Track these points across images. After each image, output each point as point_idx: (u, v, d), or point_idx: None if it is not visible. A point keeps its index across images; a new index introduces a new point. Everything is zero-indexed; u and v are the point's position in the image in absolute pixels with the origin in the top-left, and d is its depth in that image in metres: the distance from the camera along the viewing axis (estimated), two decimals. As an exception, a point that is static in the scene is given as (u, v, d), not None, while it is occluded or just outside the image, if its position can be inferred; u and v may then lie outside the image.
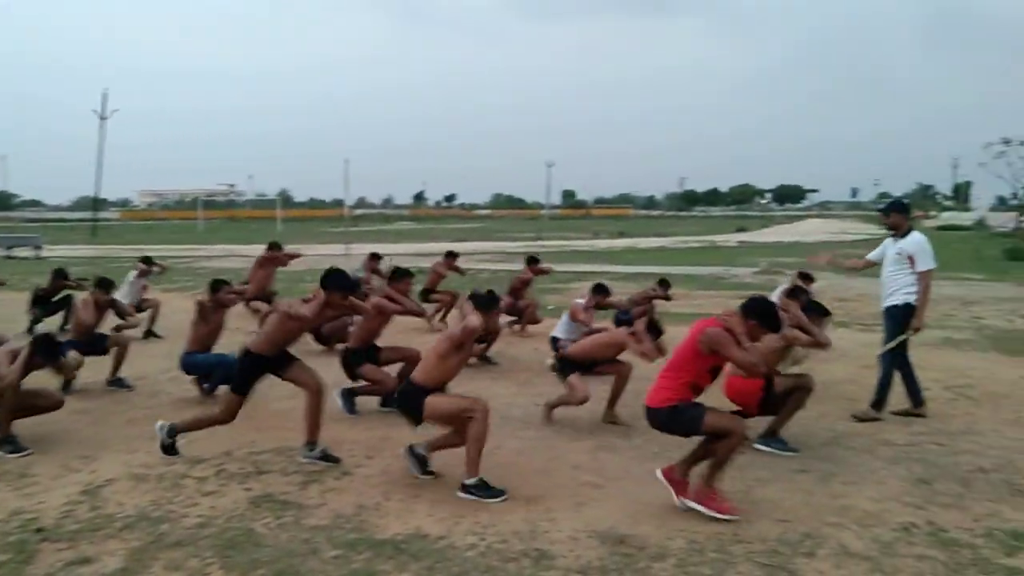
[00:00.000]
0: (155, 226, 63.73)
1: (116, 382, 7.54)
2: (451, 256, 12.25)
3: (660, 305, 11.23)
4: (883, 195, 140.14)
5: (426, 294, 11.49)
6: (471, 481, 4.75)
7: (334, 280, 5.39)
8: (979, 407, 6.93)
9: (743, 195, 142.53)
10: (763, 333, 4.58)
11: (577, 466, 5.38)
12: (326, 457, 5.36)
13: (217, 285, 7.34)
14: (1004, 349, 9.87)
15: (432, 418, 4.91)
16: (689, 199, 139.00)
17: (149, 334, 10.18)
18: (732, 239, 40.36)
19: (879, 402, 6.60)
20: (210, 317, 7.20)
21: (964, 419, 6.66)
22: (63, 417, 6.47)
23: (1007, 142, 34.54)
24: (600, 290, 8.60)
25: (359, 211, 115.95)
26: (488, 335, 7.84)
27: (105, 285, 8.06)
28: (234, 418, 5.34)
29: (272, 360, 5.37)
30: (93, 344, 7.57)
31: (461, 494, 4.73)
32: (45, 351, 5.78)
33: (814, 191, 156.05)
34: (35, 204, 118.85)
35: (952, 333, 11.02)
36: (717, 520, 4.38)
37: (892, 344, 6.58)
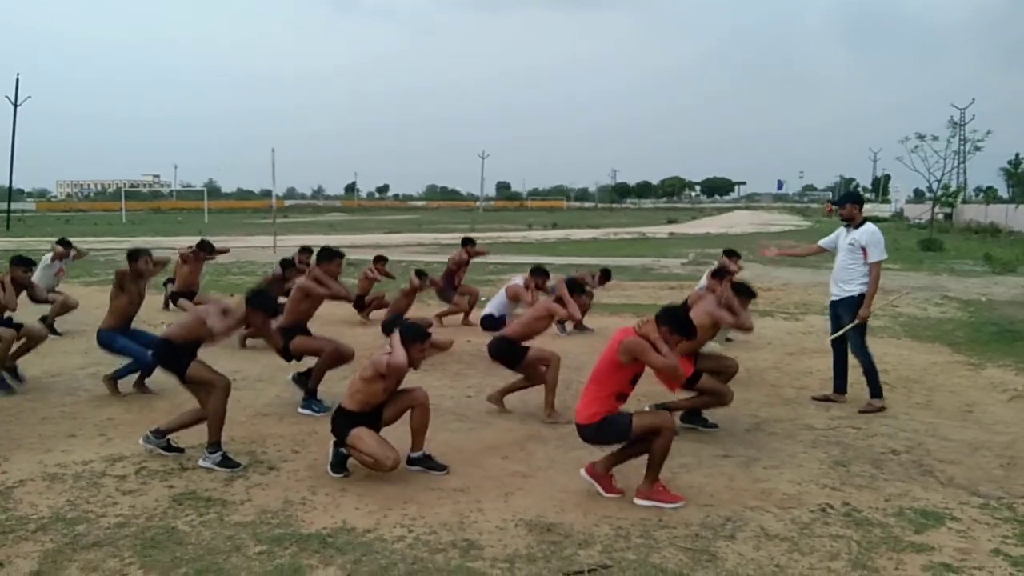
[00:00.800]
0: (75, 217, 61.28)
1: (11, 370, 7.16)
2: (380, 260, 11.86)
3: (595, 296, 11.36)
4: (808, 187, 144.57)
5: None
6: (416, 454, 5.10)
7: (259, 301, 5.33)
8: (892, 391, 7.21)
9: (673, 187, 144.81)
10: (677, 340, 4.65)
11: (506, 456, 5.42)
12: (226, 461, 5.13)
13: (136, 254, 7.09)
14: (917, 336, 10.29)
15: (353, 448, 4.89)
16: (621, 191, 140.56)
17: (48, 326, 9.64)
18: (663, 231, 41.05)
19: (875, 390, 6.74)
20: (129, 287, 6.97)
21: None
22: (-26, 416, 6.22)
23: (921, 137, 35.73)
24: (539, 272, 8.65)
25: (289, 202, 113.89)
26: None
27: (24, 263, 7.65)
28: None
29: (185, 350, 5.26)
30: (6, 326, 7.23)
31: None
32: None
33: (742, 183, 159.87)
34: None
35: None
36: (656, 508, 4.46)
37: (840, 332, 6.78)
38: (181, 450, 5.32)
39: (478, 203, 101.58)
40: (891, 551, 3.97)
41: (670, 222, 52.07)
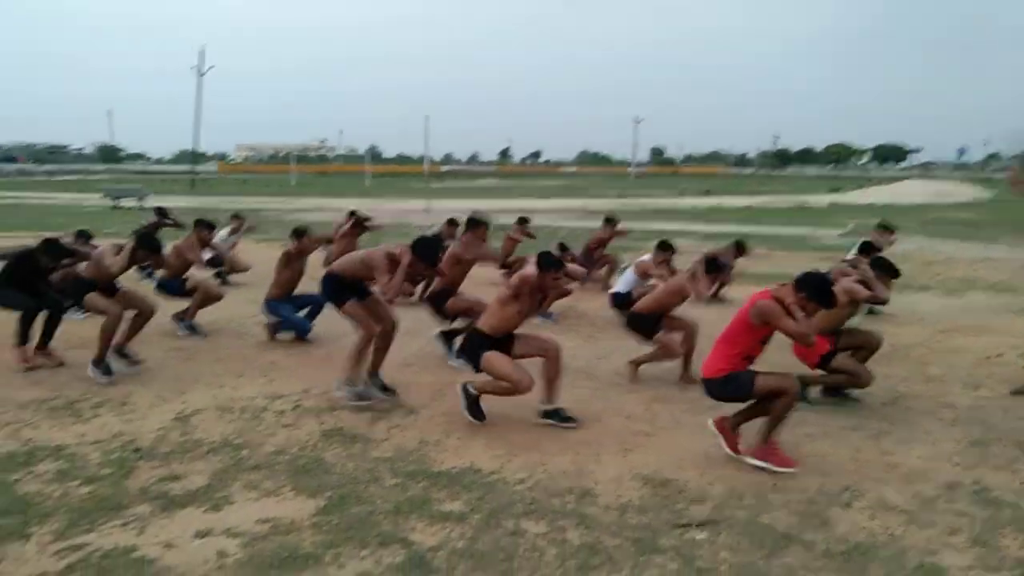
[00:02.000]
0: (250, 179, 65.95)
1: (189, 326, 7.99)
2: (523, 222, 12.35)
3: (738, 265, 11.21)
4: (991, 156, 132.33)
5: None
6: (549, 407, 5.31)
7: (422, 250, 5.56)
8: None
9: (839, 154, 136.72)
10: (814, 307, 4.62)
11: (630, 416, 5.59)
12: (368, 395, 5.67)
13: (299, 232, 7.77)
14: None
15: (487, 371, 5.20)
16: (782, 158, 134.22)
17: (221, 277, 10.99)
18: (823, 200, 39.11)
19: None
20: (293, 263, 7.65)
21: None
22: (160, 354, 7.09)
23: None
24: (665, 247, 8.65)
25: (445, 167, 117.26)
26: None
27: (208, 225, 8.60)
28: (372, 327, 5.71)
29: (353, 286, 5.72)
30: (182, 286, 8.15)
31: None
32: (148, 244, 6.41)
33: (917, 151, 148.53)
34: (139, 158, 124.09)
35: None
36: (777, 473, 4.51)
37: None
38: (393, 391, 5.82)
39: (630, 169, 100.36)
40: (1018, 531, 3.85)
41: (832, 191, 49.45)
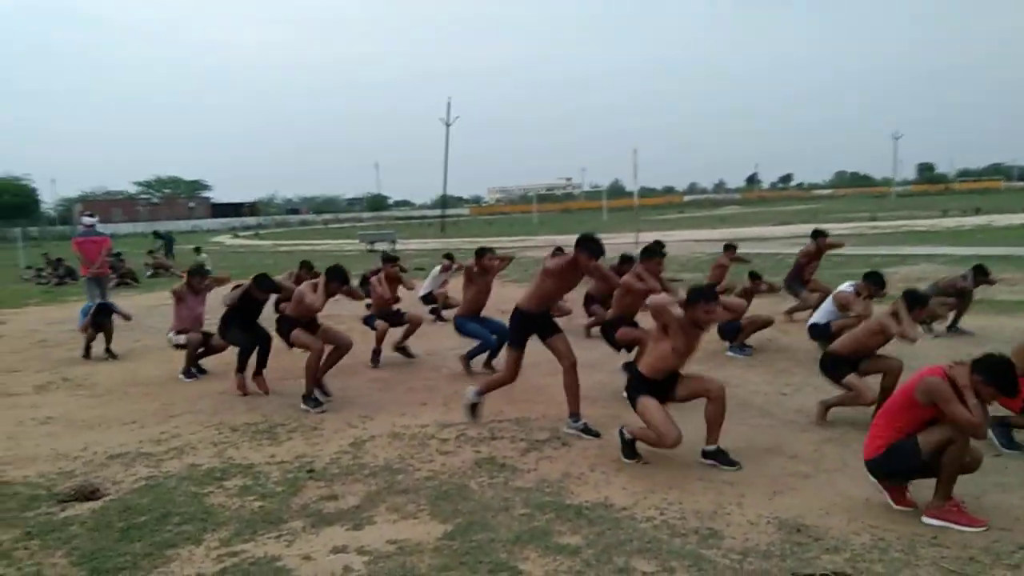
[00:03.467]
0: (496, 220, 69.55)
1: (402, 349, 8.92)
2: (730, 248, 11.98)
3: (986, 290, 10.07)
4: None
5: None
6: (710, 448, 5.13)
7: (587, 246, 5.67)
8: None
9: None
10: (991, 393, 4.08)
11: (795, 456, 5.25)
12: (587, 430, 5.82)
13: (481, 252, 8.19)
14: None
15: (639, 416, 5.16)
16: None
17: (435, 314, 11.81)
18: None
19: None
20: (477, 280, 8.10)
21: None
22: (361, 384, 7.78)
23: None
24: (874, 280, 7.93)
25: (688, 197, 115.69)
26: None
27: (392, 260, 9.36)
28: (516, 375, 6.00)
29: (536, 319, 5.96)
30: (392, 315, 8.95)
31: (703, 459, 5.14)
32: (338, 278, 7.02)
33: None
34: (405, 204, 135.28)
35: None
36: (962, 531, 4.03)
37: None
38: (597, 434, 5.83)
39: (893, 188, 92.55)
40: None
41: None
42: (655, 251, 7.35)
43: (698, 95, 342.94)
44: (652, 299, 5.23)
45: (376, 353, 8.71)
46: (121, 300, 13.59)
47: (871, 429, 4.43)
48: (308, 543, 4.15)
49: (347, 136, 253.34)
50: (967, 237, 24.39)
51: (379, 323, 8.79)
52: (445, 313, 11.90)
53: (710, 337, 9.11)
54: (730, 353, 8.69)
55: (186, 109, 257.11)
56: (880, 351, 6.11)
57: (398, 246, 30.89)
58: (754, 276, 9.36)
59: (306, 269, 9.69)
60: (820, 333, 8.11)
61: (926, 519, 4.16)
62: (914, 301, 5.99)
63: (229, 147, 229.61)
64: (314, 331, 7.13)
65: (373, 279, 9.16)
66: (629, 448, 5.26)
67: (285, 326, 7.09)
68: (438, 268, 12.43)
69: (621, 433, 5.30)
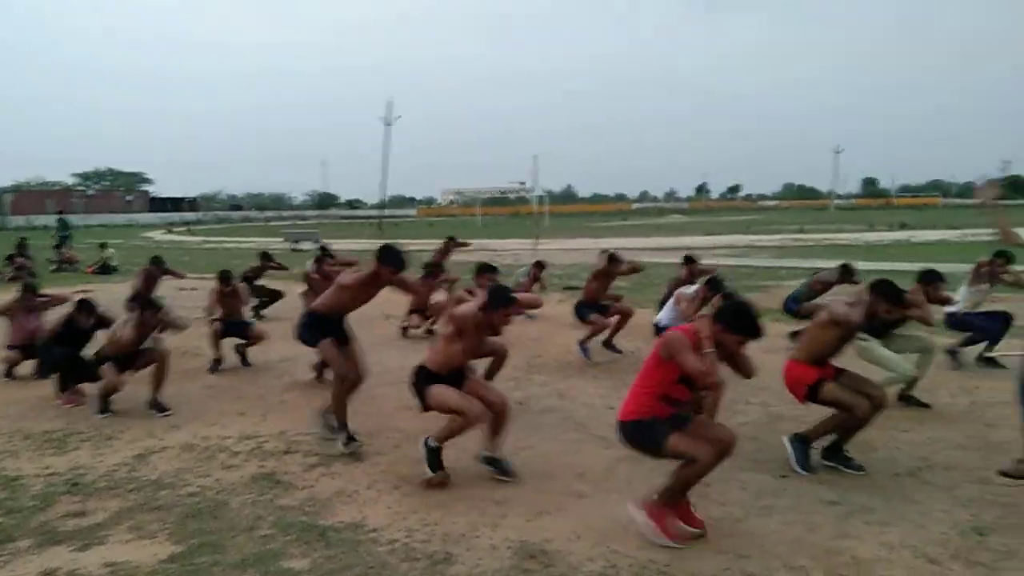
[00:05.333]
0: (439, 222, 69.16)
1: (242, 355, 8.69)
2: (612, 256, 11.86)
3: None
4: None
5: None
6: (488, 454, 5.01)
7: (388, 258, 5.54)
8: None
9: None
10: (734, 339, 4.05)
11: (582, 474, 5.13)
12: (350, 440, 5.58)
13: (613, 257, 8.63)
14: None
15: (436, 407, 4.97)
16: (1015, 186, 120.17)
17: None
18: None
19: None
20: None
21: None
22: (194, 390, 7.51)
23: None
24: (714, 286, 7.95)
25: (637, 205, 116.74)
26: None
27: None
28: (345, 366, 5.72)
29: (331, 322, 5.77)
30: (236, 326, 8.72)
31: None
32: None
33: None
34: (355, 204, 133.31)
35: None
36: (665, 546, 3.97)
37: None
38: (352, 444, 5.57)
39: (832, 201, 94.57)
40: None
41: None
42: (488, 266, 7.28)
43: (650, 101, 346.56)
44: (456, 311, 5.03)
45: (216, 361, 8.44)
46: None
47: (629, 391, 4.34)
48: (22, 565, 3.90)
49: (299, 135, 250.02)
50: (879, 252, 24.88)
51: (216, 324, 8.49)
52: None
53: (564, 351, 9.07)
54: (580, 352, 8.65)
55: (138, 102, 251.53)
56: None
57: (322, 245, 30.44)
58: (612, 259, 9.24)
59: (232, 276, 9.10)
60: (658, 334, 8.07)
61: (631, 507, 4.14)
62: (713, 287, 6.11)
63: (180, 142, 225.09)
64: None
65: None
66: (434, 457, 4.95)
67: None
68: (524, 269, 12.33)
69: (426, 444, 5.02)
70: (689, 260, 10.77)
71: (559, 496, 4.74)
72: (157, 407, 6.69)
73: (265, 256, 12.85)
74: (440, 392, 4.89)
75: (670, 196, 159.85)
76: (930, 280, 6.85)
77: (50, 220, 45.97)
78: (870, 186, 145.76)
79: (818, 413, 5.35)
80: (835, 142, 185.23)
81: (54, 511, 4.57)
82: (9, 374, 8.05)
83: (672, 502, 4.09)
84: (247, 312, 9.45)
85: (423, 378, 5.03)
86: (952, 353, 8.22)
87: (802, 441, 5.27)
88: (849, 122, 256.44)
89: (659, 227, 48.07)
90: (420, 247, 28.47)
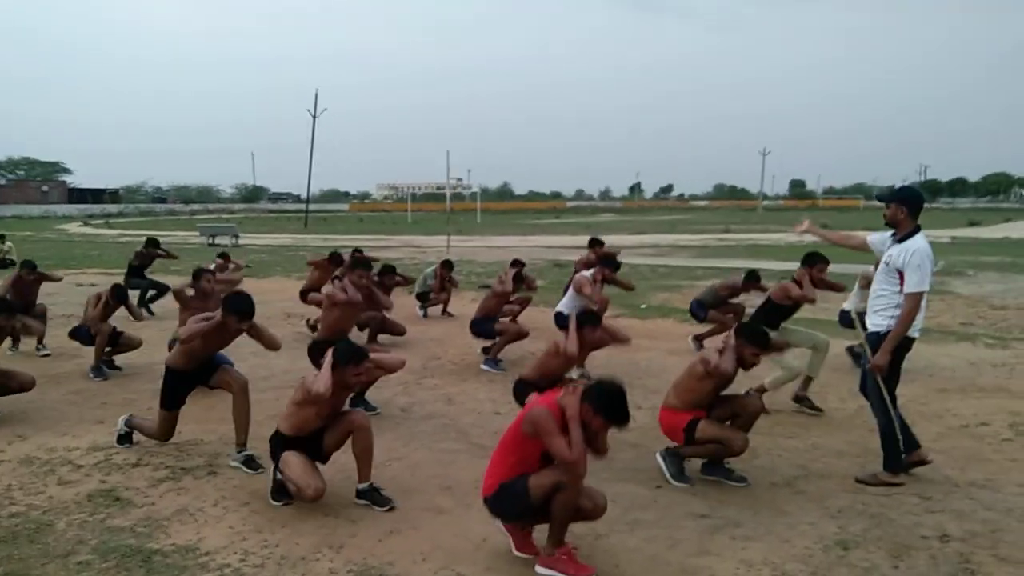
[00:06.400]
0: (369, 217, 68.15)
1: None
2: (517, 264, 11.69)
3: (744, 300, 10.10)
4: None
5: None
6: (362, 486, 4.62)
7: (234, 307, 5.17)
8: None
9: (998, 184, 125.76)
10: (602, 423, 3.73)
11: (448, 488, 4.87)
12: (249, 462, 5.18)
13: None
14: None
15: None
16: (931, 189, 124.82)
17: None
18: (949, 234, 35.80)
19: (890, 459, 5.01)
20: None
21: (997, 467, 5.29)
22: (58, 396, 7.01)
23: None
24: (609, 263, 7.83)
25: (572, 203, 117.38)
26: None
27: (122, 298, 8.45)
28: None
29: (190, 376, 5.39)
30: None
31: None
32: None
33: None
34: (284, 198, 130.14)
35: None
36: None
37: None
38: (258, 468, 5.18)
39: (760, 202, 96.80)
40: None
41: (971, 224, 45.33)
42: (362, 263, 6.96)
43: (589, 100, 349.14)
44: (313, 387, 4.55)
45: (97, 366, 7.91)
46: None
47: (489, 464, 4.07)
48: None
49: (229, 126, 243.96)
50: (798, 252, 25.27)
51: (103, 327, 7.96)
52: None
53: (464, 352, 8.81)
54: (484, 367, 8.35)
55: (58, 89, 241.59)
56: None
57: (241, 240, 29.60)
58: (518, 278, 9.00)
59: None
60: (562, 322, 7.86)
61: (538, 568, 3.84)
62: (585, 320, 5.95)
63: (102, 131, 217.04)
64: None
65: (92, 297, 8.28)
66: (279, 488, 4.61)
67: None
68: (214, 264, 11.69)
69: (274, 472, 4.66)
70: (594, 243, 10.66)
71: (417, 512, 4.48)
72: None
73: (152, 243, 12.30)
74: (288, 461, 4.49)
75: (605, 195, 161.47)
76: (813, 263, 6.86)
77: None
78: (798, 188, 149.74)
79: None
80: (766, 145, 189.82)
81: None
82: None
83: (560, 539, 3.83)
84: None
85: (278, 444, 4.62)
86: (853, 353, 8.22)
87: (674, 455, 5.11)
88: (782, 126, 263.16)
89: (589, 225, 48.24)
90: (344, 243, 27.97)
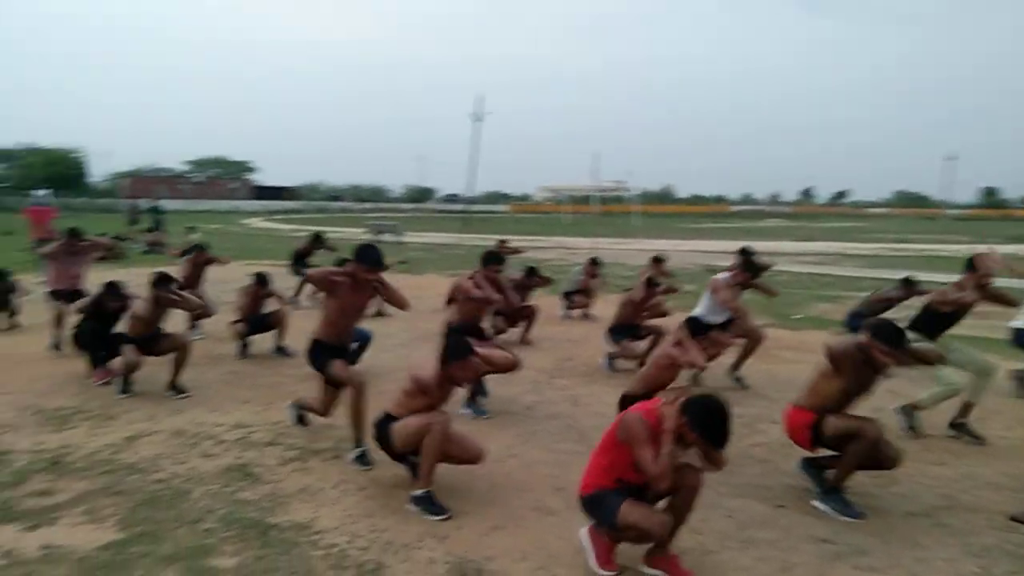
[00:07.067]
0: (527, 219, 69.00)
1: (280, 349, 8.69)
2: (659, 261, 11.44)
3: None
4: None
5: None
6: (418, 492, 4.46)
7: (362, 256, 5.25)
8: None
9: None
10: (697, 439, 3.56)
11: (561, 489, 4.83)
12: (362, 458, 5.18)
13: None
14: None
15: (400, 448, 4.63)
16: None
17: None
18: None
19: None
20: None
21: None
22: (214, 376, 7.56)
23: None
24: (749, 266, 7.41)
25: (737, 207, 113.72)
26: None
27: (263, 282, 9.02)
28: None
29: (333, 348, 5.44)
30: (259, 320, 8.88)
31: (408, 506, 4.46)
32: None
33: None
34: (454, 199, 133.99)
35: None
36: None
37: None
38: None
39: (945, 211, 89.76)
40: None
41: None
42: (494, 258, 6.95)
43: (763, 106, 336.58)
44: (418, 377, 4.54)
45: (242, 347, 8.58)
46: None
47: (589, 461, 4.00)
48: (-34, 541, 3.92)
49: (401, 130, 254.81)
50: (941, 264, 23.20)
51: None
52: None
53: (598, 354, 8.70)
54: (603, 363, 8.26)
55: (254, 93, 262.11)
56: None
57: (405, 238, 30.83)
58: (651, 283, 8.73)
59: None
60: (697, 326, 7.60)
61: (644, 567, 3.76)
62: (696, 330, 5.64)
63: (290, 134, 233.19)
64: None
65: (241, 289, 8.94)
66: (427, 503, 4.44)
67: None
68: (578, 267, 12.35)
69: (412, 499, 4.48)
70: (745, 253, 10.24)
71: (525, 510, 4.48)
72: (175, 389, 6.79)
73: (316, 238, 13.09)
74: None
75: (774, 200, 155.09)
76: (977, 268, 6.22)
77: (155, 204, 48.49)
78: (989, 196, 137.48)
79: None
80: (952, 149, 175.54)
81: (24, 488, 4.62)
82: (59, 323, 8.38)
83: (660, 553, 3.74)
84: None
85: (383, 426, 4.67)
86: (1020, 378, 7.47)
87: (831, 492, 4.68)
88: (972, 129, 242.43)
89: (751, 231, 46.52)
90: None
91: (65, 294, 8.52)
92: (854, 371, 4.60)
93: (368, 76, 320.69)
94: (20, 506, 4.36)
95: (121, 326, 7.19)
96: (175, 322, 8.08)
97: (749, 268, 7.32)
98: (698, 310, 7.51)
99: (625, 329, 8.38)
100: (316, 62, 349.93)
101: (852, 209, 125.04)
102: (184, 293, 7.18)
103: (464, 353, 4.58)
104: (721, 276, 7.50)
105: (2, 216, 46.82)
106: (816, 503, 4.66)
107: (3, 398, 6.61)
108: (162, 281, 6.87)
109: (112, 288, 7.33)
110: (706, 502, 4.49)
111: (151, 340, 6.92)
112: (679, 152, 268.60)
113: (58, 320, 8.36)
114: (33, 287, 11.27)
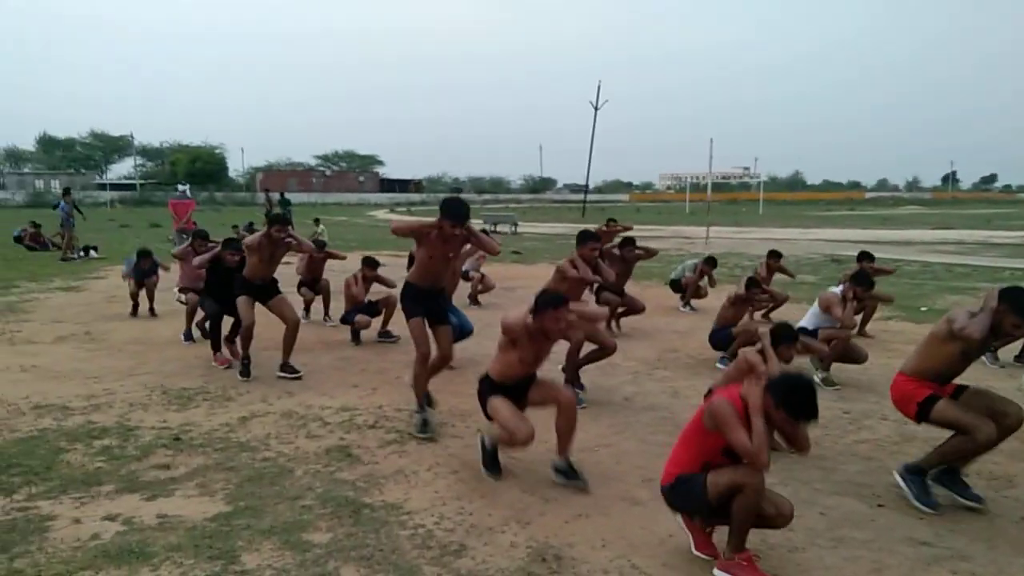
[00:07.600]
0: (648, 207, 68.23)
1: (385, 334, 9.11)
2: (774, 256, 11.10)
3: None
4: None
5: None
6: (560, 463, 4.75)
7: (446, 209, 5.46)
8: None
9: None
10: (785, 418, 3.52)
11: (649, 480, 4.79)
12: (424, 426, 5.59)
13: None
14: None
15: (491, 416, 4.81)
16: None
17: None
18: None
19: None
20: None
21: None
22: (327, 361, 7.95)
23: None
24: (861, 280, 7.13)
25: (871, 194, 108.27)
26: None
27: (372, 264, 9.47)
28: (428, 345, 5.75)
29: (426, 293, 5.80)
30: (366, 308, 9.31)
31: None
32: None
33: None
34: (575, 188, 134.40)
35: None
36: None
37: None
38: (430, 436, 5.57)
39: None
40: None
41: None
42: (589, 236, 6.88)
43: (895, 86, 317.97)
44: (504, 319, 4.79)
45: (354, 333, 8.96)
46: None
47: (671, 453, 3.97)
48: (95, 508, 4.30)
49: (527, 120, 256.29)
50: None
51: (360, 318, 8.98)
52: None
53: (703, 347, 8.53)
54: (720, 365, 8.06)
55: (379, 89, 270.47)
56: None
57: (520, 229, 31.12)
58: (751, 284, 8.52)
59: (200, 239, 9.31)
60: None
61: (717, 571, 3.69)
62: (779, 337, 5.43)
63: (416, 129, 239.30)
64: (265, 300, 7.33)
65: (349, 278, 9.30)
66: (491, 460, 4.89)
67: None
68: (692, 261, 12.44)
69: (481, 442, 4.99)
70: (863, 257, 9.80)
71: (611, 500, 4.49)
72: (287, 369, 7.19)
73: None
74: (496, 406, 4.72)
75: (912, 185, 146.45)
76: None
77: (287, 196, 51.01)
78: None
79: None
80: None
81: (147, 462, 5.02)
82: (191, 316, 9.00)
83: (741, 544, 3.68)
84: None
85: (486, 388, 4.87)
86: None
87: (915, 472, 4.56)
88: None
89: (885, 219, 44.14)
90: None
91: (192, 292, 9.05)
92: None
93: (489, 64, 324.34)
94: (143, 477, 4.74)
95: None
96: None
97: (860, 282, 7.03)
98: (804, 322, 7.27)
99: (727, 331, 8.14)
100: (445, 47, 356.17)
101: (1001, 194, 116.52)
102: (297, 235, 7.56)
103: (556, 303, 4.63)
104: (832, 291, 7.25)
105: (151, 210, 50.45)
106: (896, 476, 4.53)
107: (137, 379, 7.18)
108: (276, 220, 7.24)
109: (231, 243, 7.80)
110: (801, 498, 4.39)
111: (264, 290, 7.31)
112: (808, 137, 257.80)
113: (191, 314, 8.95)
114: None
